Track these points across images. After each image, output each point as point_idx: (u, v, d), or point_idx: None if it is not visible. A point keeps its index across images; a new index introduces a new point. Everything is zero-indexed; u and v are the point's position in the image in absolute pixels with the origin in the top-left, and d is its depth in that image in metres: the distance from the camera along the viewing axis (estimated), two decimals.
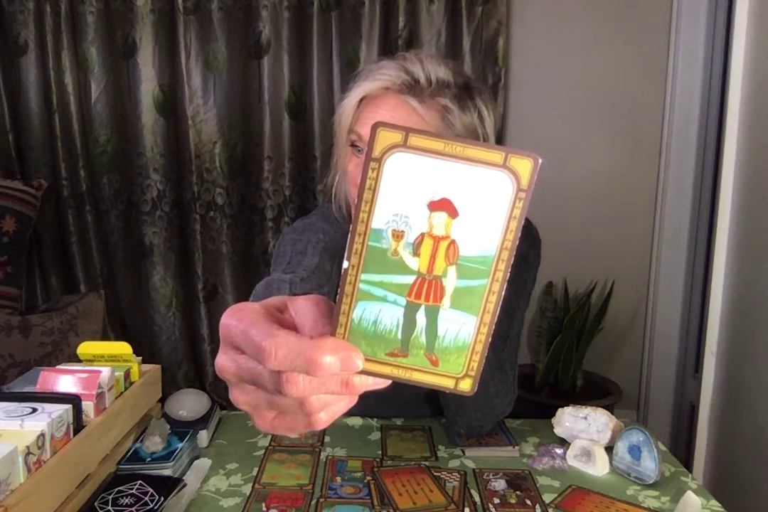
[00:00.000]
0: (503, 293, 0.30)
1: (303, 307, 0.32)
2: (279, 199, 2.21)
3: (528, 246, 0.94)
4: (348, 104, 0.83)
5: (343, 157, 0.86)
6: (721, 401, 1.51)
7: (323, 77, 2.12)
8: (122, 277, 2.33)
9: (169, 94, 2.18)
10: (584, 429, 0.90)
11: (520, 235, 0.29)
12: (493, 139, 0.86)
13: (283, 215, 2.23)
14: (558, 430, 0.93)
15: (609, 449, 0.88)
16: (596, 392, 2.10)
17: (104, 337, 2.17)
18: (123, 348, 0.86)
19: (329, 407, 0.31)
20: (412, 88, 0.78)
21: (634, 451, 0.83)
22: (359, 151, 0.82)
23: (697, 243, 2.17)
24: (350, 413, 1.01)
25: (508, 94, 2.18)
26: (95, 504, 0.71)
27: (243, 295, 2.28)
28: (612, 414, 0.91)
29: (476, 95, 0.83)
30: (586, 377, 2.16)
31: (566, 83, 2.23)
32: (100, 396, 0.75)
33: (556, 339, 2.09)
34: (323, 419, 0.31)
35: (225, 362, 0.31)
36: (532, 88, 2.23)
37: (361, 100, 0.82)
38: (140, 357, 0.90)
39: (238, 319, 0.31)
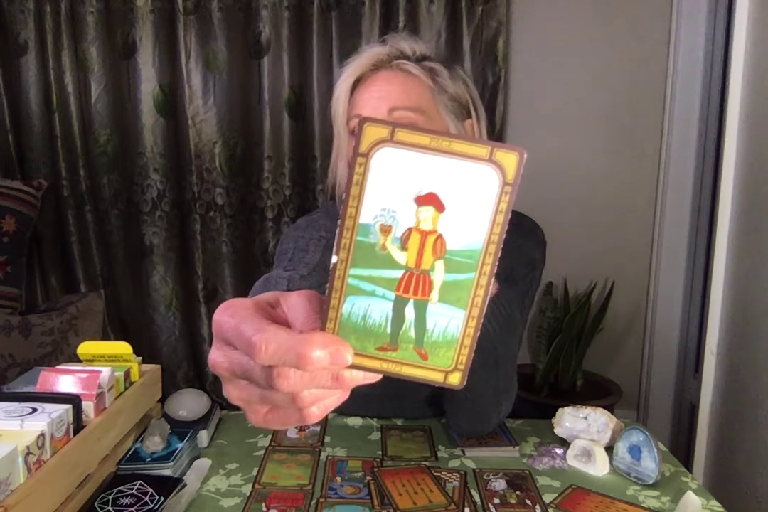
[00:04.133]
0: (492, 287, 0.30)
1: (295, 303, 0.32)
2: (279, 199, 2.22)
3: (534, 247, 0.94)
4: (341, 93, 0.85)
5: (344, 147, 0.87)
6: (721, 401, 1.51)
7: (323, 77, 2.12)
8: (122, 277, 2.33)
9: (169, 94, 2.18)
10: (584, 429, 0.90)
11: (507, 228, 0.29)
12: (480, 104, 0.92)
13: (283, 215, 2.23)
14: (558, 430, 0.93)
15: (609, 449, 0.88)
16: (596, 392, 2.10)
17: (104, 337, 2.18)
18: (123, 348, 0.86)
19: (321, 401, 0.31)
20: (401, 57, 0.85)
21: (634, 451, 0.83)
22: None
23: (697, 243, 2.17)
24: (351, 413, 1.01)
25: (508, 94, 2.18)
26: (95, 504, 0.71)
27: (243, 295, 2.26)
28: (612, 414, 0.91)
29: (456, 67, 0.89)
30: (586, 377, 2.16)
31: (566, 83, 2.23)
32: (100, 396, 0.75)
33: (556, 339, 2.09)
34: (315, 413, 0.31)
35: (217, 357, 0.32)
36: (532, 88, 2.23)
37: (353, 88, 0.85)
38: (140, 357, 0.90)
39: (230, 315, 0.31)
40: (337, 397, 0.32)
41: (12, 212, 1.95)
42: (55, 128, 2.16)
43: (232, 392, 0.33)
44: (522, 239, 0.94)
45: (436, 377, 0.31)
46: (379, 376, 0.31)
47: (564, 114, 2.25)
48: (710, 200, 2.04)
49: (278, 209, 2.22)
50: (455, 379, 0.31)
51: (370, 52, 0.86)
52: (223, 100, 2.17)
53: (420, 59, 0.86)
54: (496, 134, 2.16)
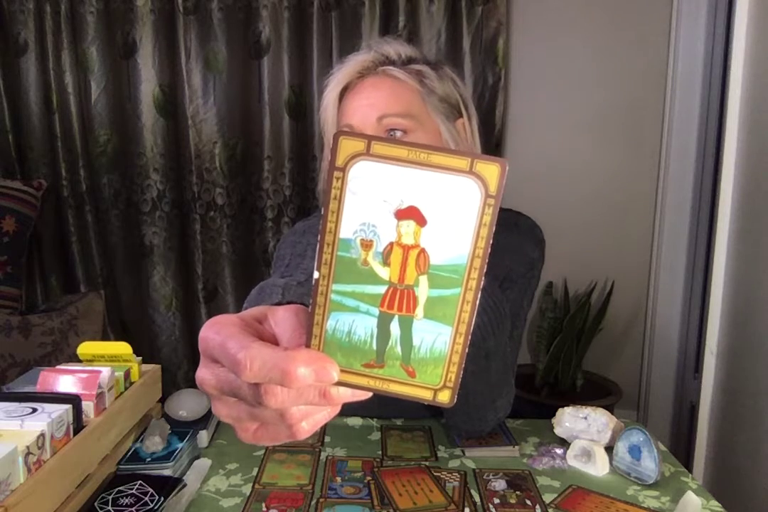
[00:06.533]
0: (478, 301, 0.29)
1: (283, 318, 0.32)
2: (279, 199, 2.22)
3: (533, 246, 0.94)
4: (329, 102, 0.86)
5: None
6: (721, 401, 1.51)
7: (323, 77, 2.10)
8: (122, 277, 2.33)
9: (169, 94, 2.18)
10: (584, 429, 0.90)
11: (491, 241, 0.28)
12: (471, 102, 0.91)
13: (283, 215, 2.23)
14: (558, 430, 0.93)
15: (609, 449, 0.88)
16: (596, 392, 2.10)
17: (104, 337, 2.18)
18: (123, 348, 0.86)
19: (311, 417, 0.31)
20: (386, 62, 0.85)
21: (634, 451, 0.83)
22: None
23: (697, 243, 2.16)
24: (351, 413, 1.01)
25: (508, 94, 2.18)
26: (95, 504, 0.71)
27: (243, 295, 2.27)
28: (612, 414, 0.91)
29: (444, 66, 0.89)
30: (586, 377, 2.16)
31: (566, 83, 2.23)
32: (100, 396, 0.75)
33: (556, 339, 2.09)
34: (305, 429, 0.31)
35: (205, 375, 0.31)
36: (532, 88, 2.23)
37: (341, 96, 0.85)
38: (140, 357, 0.90)
39: (216, 332, 0.31)
40: (328, 413, 0.32)
41: (12, 212, 1.95)
42: (55, 128, 2.16)
43: (221, 410, 0.33)
44: (520, 238, 0.94)
45: (424, 394, 0.30)
46: (369, 394, 0.31)
47: (564, 114, 2.25)
48: (710, 200, 2.04)
49: (278, 209, 2.22)
50: (444, 397, 0.30)
51: (354, 60, 0.86)
52: (223, 100, 2.17)
53: (406, 62, 0.86)
54: (496, 134, 2.15)
